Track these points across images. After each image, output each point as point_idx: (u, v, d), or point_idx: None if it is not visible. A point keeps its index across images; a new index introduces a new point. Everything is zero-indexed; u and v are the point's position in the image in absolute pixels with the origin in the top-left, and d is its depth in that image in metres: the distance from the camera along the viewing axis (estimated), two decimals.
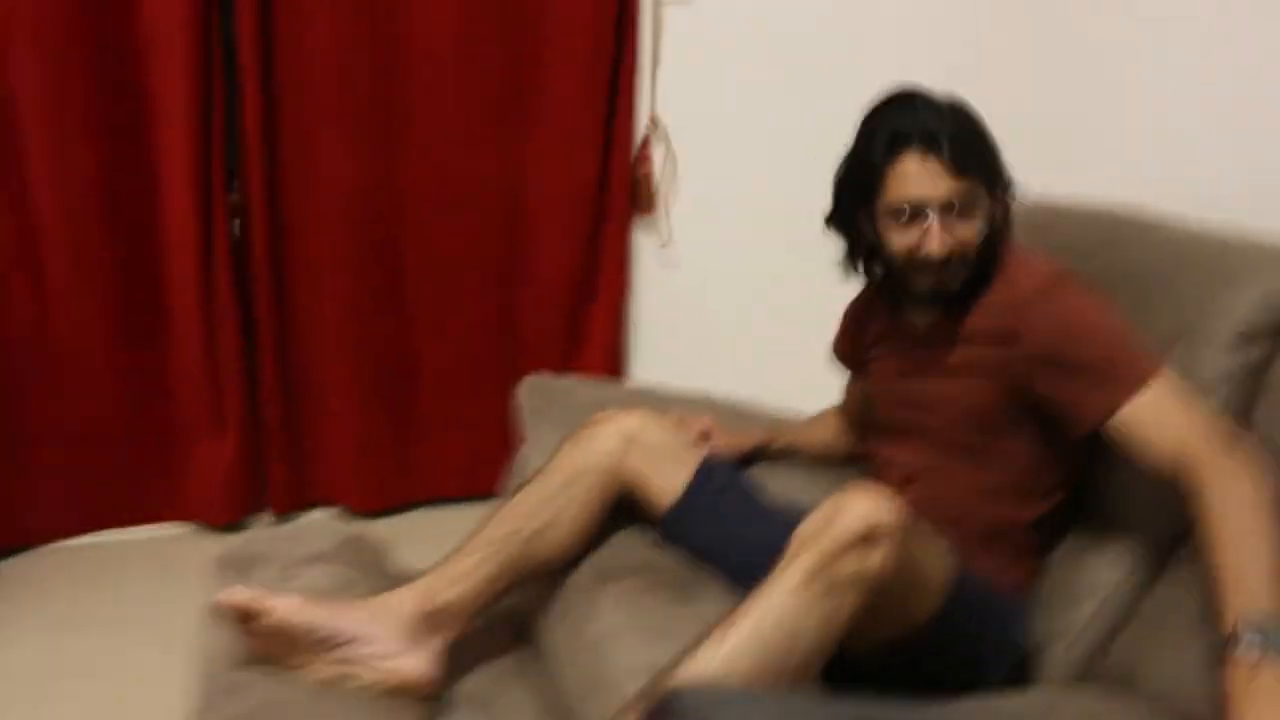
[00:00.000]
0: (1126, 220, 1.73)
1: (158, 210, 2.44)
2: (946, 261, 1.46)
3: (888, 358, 1.67)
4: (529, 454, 1.79)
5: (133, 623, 2.25)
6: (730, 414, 1.90)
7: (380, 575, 1.58)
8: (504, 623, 1.63)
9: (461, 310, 2.72)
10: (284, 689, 1.28)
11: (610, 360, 2.84)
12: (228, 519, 2.65)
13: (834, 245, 1.66)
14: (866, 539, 1.20)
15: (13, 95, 2.27)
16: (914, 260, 1.48)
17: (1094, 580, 1.53)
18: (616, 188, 2.74)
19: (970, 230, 1.47)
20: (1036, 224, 1.87)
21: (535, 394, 1.91)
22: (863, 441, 1.77)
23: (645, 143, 2.76)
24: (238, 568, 1.54)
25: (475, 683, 1.49)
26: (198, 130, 2.38)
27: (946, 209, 1.44)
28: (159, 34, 2.33)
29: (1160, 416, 1.36)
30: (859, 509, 1.22)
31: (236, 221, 2.51)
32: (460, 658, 1.50)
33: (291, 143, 2.49)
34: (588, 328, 2.84)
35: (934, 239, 1.44)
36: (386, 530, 2.71)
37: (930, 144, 1.43)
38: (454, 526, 2.66)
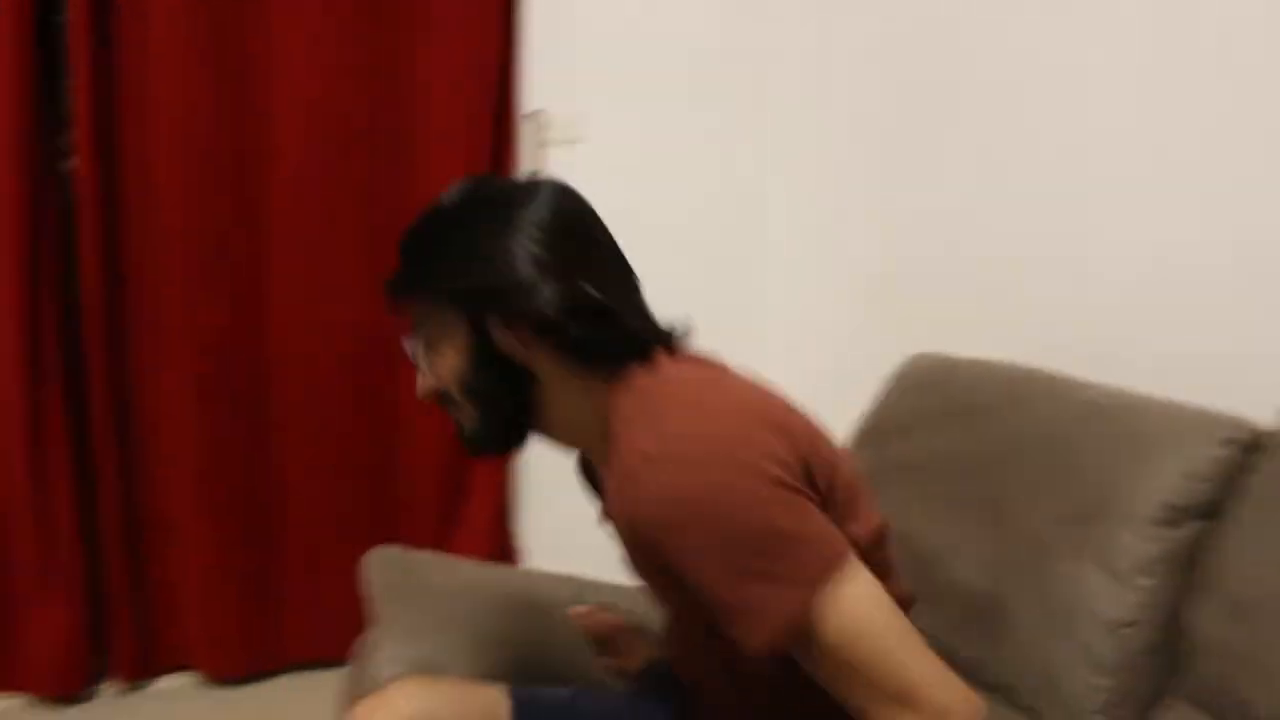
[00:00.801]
0: (1031, 378, 1.62)
1: None
2: (444, 408, 1.14)
3: None
4: (380, 639, 1.58)
5: None
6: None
7: None
8: None
9: (332, 457, 2.52)
10: None
11: (495, 513, 2.64)
12: (65, 690, 2.38)
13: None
14: None
15: None
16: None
17: None
18: None
19: (441, 364, 1.12)
20: (932, 380, 1.77)
21: (386, 570, 1.71)
22: None
23: None
24: None
25: None
26: (24, 265, 2.19)
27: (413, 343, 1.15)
28: None
29: None
30: None
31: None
32: None
33: (134, 278, 2.32)
34: (472, 479, 2.64)
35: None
36: (247, 700, 2.47)
37: None
38: (323, 697, 2.47)
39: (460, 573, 1.72)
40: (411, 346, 1.16)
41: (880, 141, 2.46)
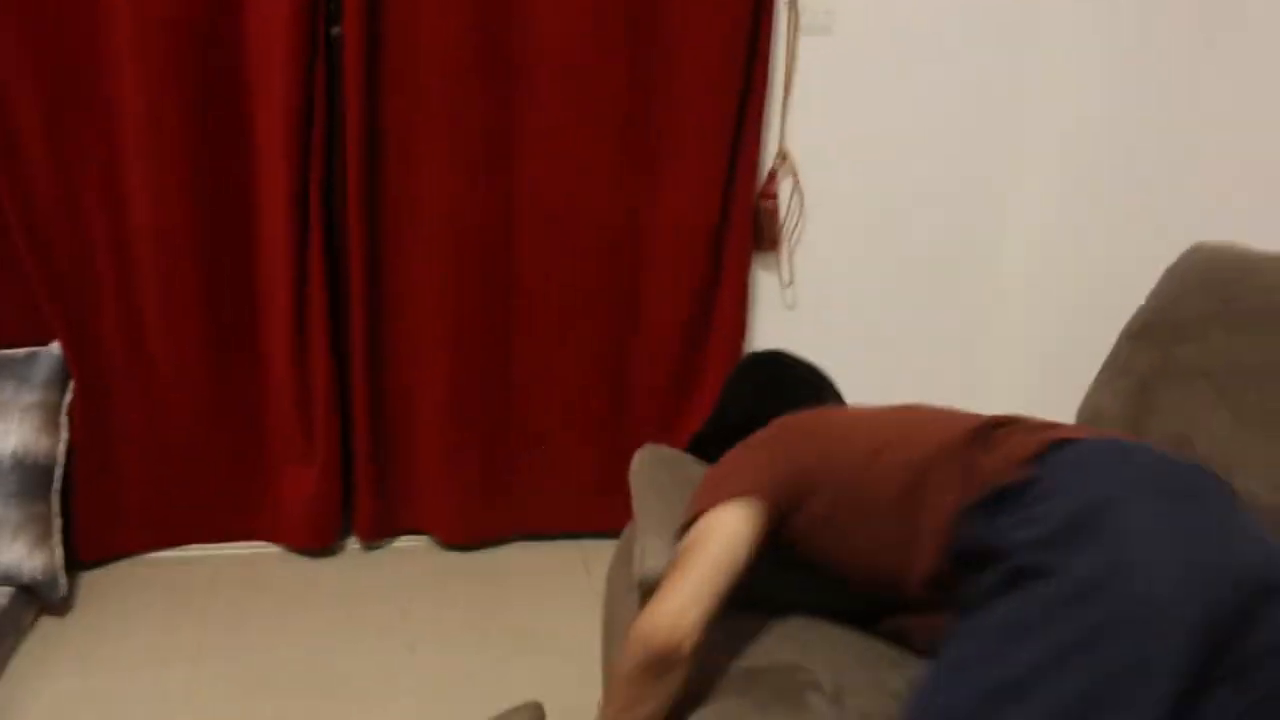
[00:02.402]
0: None
1: (253, 236, 2.37)
2: None
3: None
4: (637, 534, 1.64)
5: (211, 647, 2.19)
6: None
7: None
8: None
9: (567, 346, 2.58)
10: None
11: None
12: (315, 544, 2.56)
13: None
14: None
15: (117, 115, 2.21)
16: None
17: None
18: (739, 221, 2.57)
19: None
20: (1221, 275, 1.63)
21: (648, 467, 1.76)
22: None
23: (771, 177, 2.59)
24: None
25: None
26: (295, 148, 2.27)
27: None
28: (261, 49, 2.24)
29: None
30: None
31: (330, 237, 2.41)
32: None
33: (395, 161, 2.37)
34: (702, 369, 2.68)
35: None
36: (478, 560, 2.62)
37: None
38: (545, 564, 2.62)
39: None
40: None
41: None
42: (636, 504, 1.69)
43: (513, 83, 2.37)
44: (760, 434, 1.52)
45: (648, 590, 1.58)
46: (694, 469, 1.75)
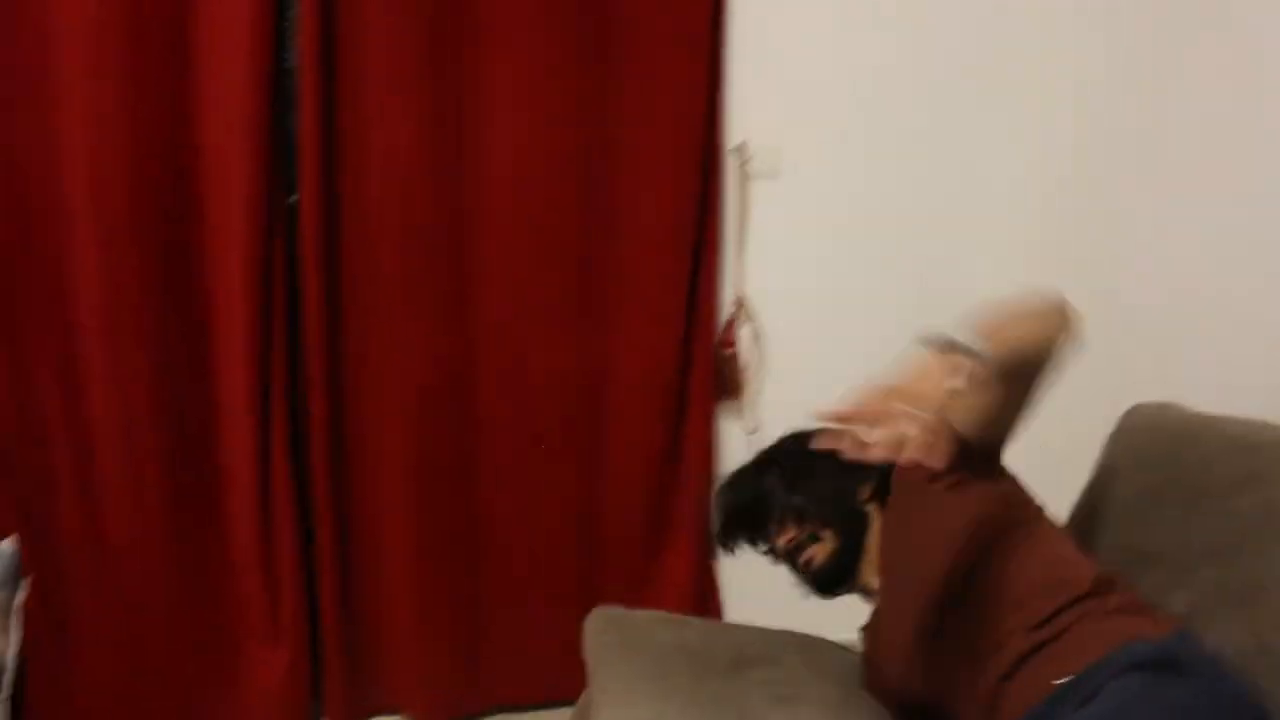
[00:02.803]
0: (1268, 443, 1.48)
1: (214, 411, 2.34)
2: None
3: None
4: (595, 705, 1.58)
5: None
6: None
7: None
8: None
9: (536, 502, 2.55)
10: None
11: (695, 558, 2.63)
12: None
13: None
14: None
15: (71, 289, 2.21)
16: None
17: None
18: (700, 371, 2.56)
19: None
20: (1160, 449, 1.65)
21: (605, 630, 1.71)
22: None
23: (730, 323, 2.60)
24: None
25: None
26: (256, 315, 2.28)
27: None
28: (217, 226, 2.26)
29: None
30: None
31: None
32: None
33: (354, 324, 2.37)
34: (673, 519, 2.65)
35: None
36: None
37: None
38: None
39: (679, 632, 1.71)
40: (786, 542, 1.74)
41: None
42: (592, 673, 1.63)
43: (468, 235, 2.40)
44: None
45: None
46: (648, 631, 1.70)
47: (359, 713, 2.55)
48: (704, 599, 2.66)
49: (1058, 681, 1.29)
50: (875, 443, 1.07)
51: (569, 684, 2.56)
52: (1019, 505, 1.54)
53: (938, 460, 1.08)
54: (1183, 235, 2.59)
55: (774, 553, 1.79)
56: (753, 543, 1.82)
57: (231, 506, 2.38)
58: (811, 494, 1.73)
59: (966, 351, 1.18)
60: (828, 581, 1.73)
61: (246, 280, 2.25)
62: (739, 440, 2.67)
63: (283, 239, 2.30)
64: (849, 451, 1.09)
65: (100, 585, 2.32)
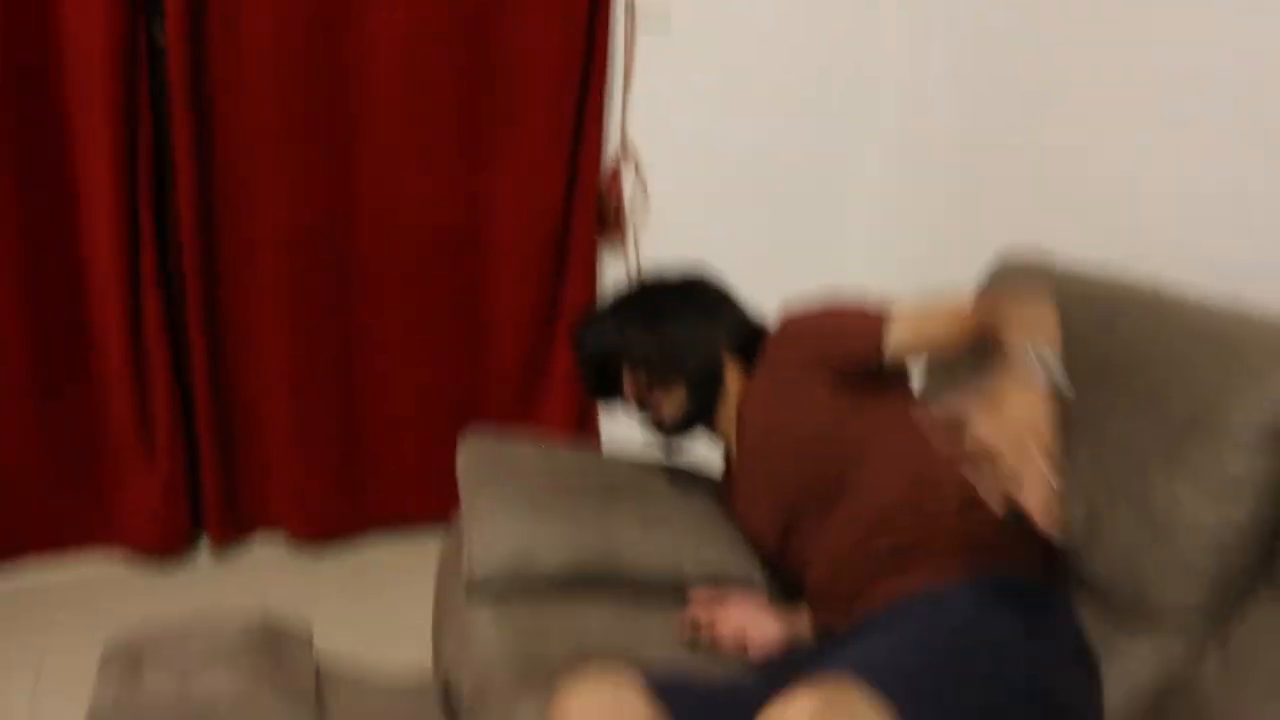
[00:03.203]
0: (1128, 295, 1.57)
1: (76, 221, 2.28)
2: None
3: None
4: (466, 527, 1.65)
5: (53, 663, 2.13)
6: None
7: (291, 680, 1.44)
8: None
9: (417, 328, 2.58)
10: None
11: (576, 388, 2.69)
12: (163, 547, 2.50)
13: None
14: None
15: None
16: None
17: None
18: (582, 214, 2.59)
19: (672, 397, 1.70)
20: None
21: (477, 455, 1.76)
22: None
23: (615, 168, 2.61)
24: (125, 664, 1.40)
25: None
26: (121, 153, 2.22)
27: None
28: (78, 52, 2.16)
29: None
30: None
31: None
32: None
33: (227, 161, 2.33)
34: (553, 357, 2.70)
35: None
36: (334, 558, 2.60)
37: None
38: (407, 552, 2.60)
39: (550, 459, 1.77)
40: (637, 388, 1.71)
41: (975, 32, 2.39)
42: (464, 496, 1.69)
43: (346, 79, 2.36)
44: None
45: (476, 590, 1.61)
46: (520, 456, 1.75)
47: (238, 530, 2.60)
48: (583, 430, 2.75)
49: (896, 597, 1.36)
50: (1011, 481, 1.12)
51: (445, 505, 2.67)
52: (896, 412, 1.54)
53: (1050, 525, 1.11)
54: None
55: (626, 399, 1.77)
56: (606, 390, 1.78)
57: (99, 326, 2.34)
58: (663, 342, 1.69)
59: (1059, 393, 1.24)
60: (674, 430, 1.71)
61: (109, 113, 2.18)
62: (621, 280, 2.72)
63: (147, 77, 2.23)
64: (987, 489, 1.14)
65: None
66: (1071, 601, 1.41)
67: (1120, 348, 1.50)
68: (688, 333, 1.69)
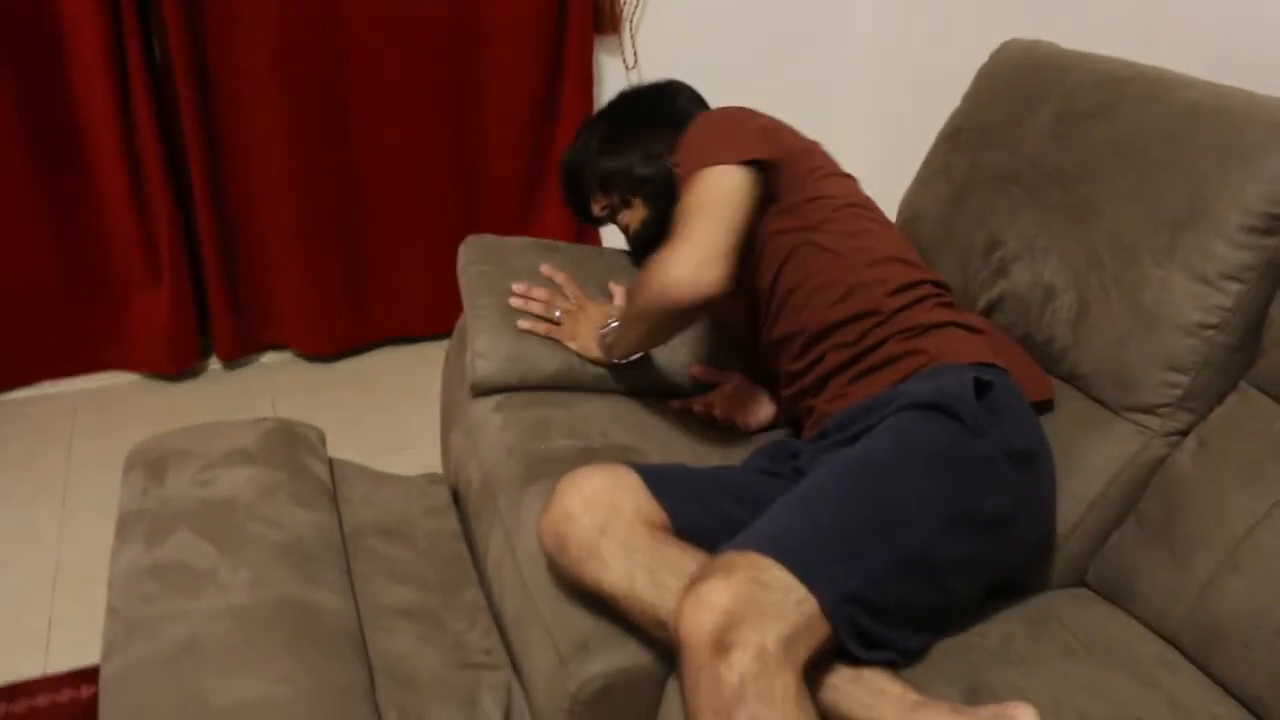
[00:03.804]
0: (1126, 79, 1.51)
1: (61, 38, 2.19)
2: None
3: None
4: (469, 329, 1.65)
5: (77, 479, 2.18)
6: None
7: (307, 474, 1.46)
8: None
9: (414, 138, 2.53)
10: (212, 622, 1.18)
11: None
12: (173, 367, 2.53)
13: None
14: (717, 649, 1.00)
15: None
16: None
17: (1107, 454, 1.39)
18: (577, 5, 2.49)
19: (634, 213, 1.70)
20: (1025, 77, 1.67)
21: (476, 258, 1.74)
22: None
23: None
24: (149, 468, 1.43)
25: None
26: None
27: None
28: None
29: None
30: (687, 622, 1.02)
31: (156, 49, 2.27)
32: None
33: None
34: (551, 154, 2.66)
35: None
36: (340, 372, 2.62)
37: None
38: (412, 364, 2.63)
39: (547, 256, 1.75)
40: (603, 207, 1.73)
41: None
42: (466, 300, 1.69)
43: None
44: (725, 116, 1.53)
45: (480, 390, 1.62)
46: (519, 255, 1.74)
47: (246, 349, 2.62)
48: (581, 233, 2.72)
49: (851, 404, 1.36)
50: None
51: (449, 316, 2.68)
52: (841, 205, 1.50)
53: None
54: None
55: (598, 220, 1.78)
56: (583, 210, 1.77)
57: (94, 149, 2.29)
58: (619, 159, 1.67)
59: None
60: (641, 246, 1.68)
61: None
62: (618, 76, 2.64)
63: None
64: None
65: None
66: (1010, 385, 1.35)
67: (1121, 131, 1.46)
68: (644, 150, 1.65)
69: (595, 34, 2.56)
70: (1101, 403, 1.43)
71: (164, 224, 2.37)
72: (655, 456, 1.50)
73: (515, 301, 1.65)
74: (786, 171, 1.47)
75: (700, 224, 1.34)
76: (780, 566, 1.05)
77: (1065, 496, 1.38)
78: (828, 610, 1.05)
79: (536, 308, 1.64)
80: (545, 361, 1.62)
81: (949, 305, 1.48)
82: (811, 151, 1.55)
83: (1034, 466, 1.30)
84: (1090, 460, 1.40)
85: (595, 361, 1.61)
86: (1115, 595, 1.34)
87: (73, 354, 2.49)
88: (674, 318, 1.40)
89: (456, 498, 1.64)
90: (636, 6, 2.58)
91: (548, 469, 1.43)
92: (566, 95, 2.59)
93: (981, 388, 1.28)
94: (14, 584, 1.90)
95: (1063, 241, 1.50)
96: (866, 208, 1.53)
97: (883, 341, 1.39)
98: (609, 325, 1.57)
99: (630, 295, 1.50)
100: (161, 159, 2.32)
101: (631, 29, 2.60)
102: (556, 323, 1.64)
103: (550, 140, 2.64)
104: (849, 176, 1.57)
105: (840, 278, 1.43)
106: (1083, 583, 1.40)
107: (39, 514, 2.08)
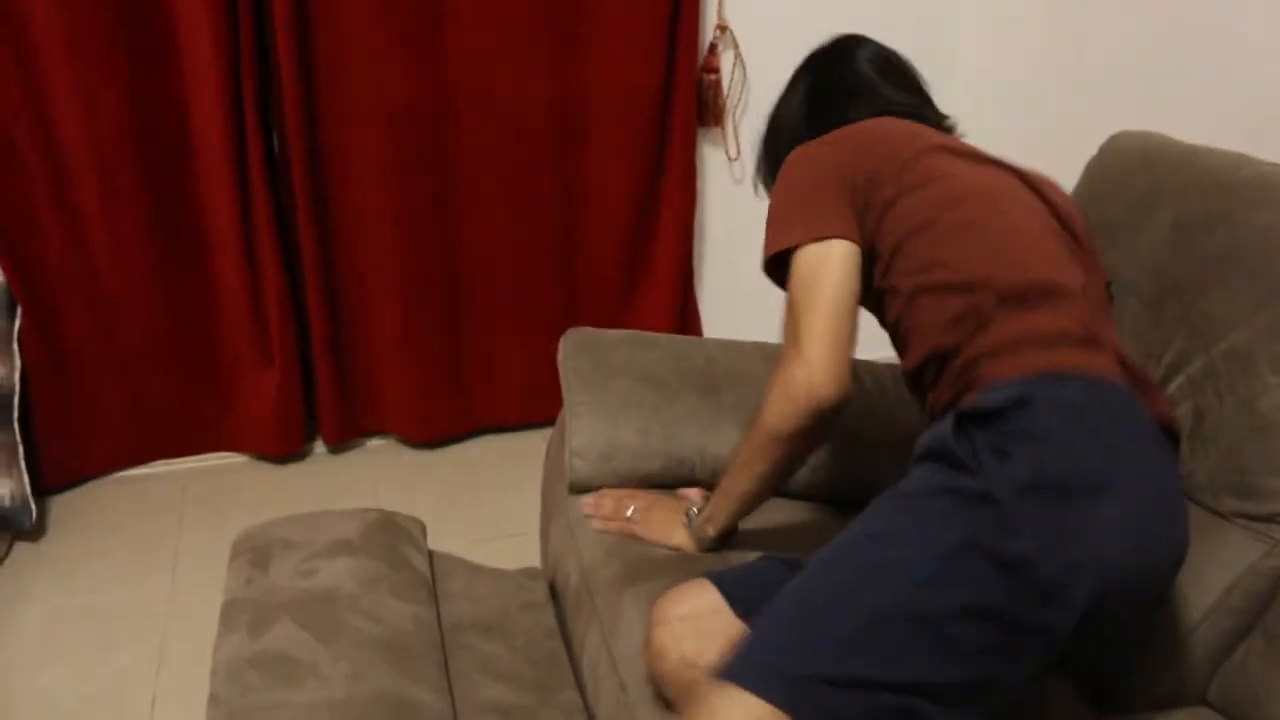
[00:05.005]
0: (1251, 180, 1.45)
1: (188, 133, 2.30)
2: None
3: None
4: (568, 425, 1.65)
5: (187, 556, 2.24)
6: None
7: (408, 567, 1.47)
8: None
9: (518, 230, 2.57)
10: (311, 714, 1.19)
11: (677, 282, 2.67)
12: (281, 450, 2.58)
13: None
14: None
15: (30, 24, 2.12)
16: None
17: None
18: (681, 98, 2.53)
19: None
20: (1137, 171, 1.62)
21: (576, 352, 1.75)
22: None
23: (712, 50, 2.54)
24: (254, 557, 1.45)
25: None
26: (225, 51, 2.21)
27: None
28: None
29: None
30: None
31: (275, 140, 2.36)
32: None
33: (327, 57, 2.30)
34: (653, 246, 2.69)
35: None
36: (443, 458, 2.65)
37: None
38: (513, 453, 2.65)
39: (647, 352, 1.74)
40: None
41: None
42: (565, 394, 1.69)
43: None
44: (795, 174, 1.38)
45: (577, 490, 1.62)
46: (619, 351, 1.74)
47: (351, 433, 2.67)
48: (684, 326, 2.73)
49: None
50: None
51: (550, 406, 2.70)
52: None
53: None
54: None
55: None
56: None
57: (213, 235, 2.39)
58: (764, 158, 1.58)
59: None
60: None
61: (212, 9, 2.17)
62: (721, 167, 2.67)
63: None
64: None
65: (92, 313, 2.37)
66: (1072, 399, 1.15)
67: (1237, 239, 1.41)
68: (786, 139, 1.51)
69: (699, 126, 2.59)
70: (1218, 513, 1.37)
71: (275, 308, 2.44)
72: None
73: (585, 509, 1.57)
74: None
75: (807, 318, 1.25)
76: (734, 688, 1.02)
77: (1181, 602, 1.32)
78: (780, 701, 1.00)
79: (607, 510, 1.55)
80: (644, 463, 1.61)
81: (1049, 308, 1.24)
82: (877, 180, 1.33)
83: (1076, 498, 1.08)
84: (1205, 569, 1.32)
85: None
86: (1241, 717, 1.27)
87: (186, 434, 2.56)
88: (804, 435, 1.26)
89: (554, 590, 1.64)
90: (740, 98, 2.61)
91: (647, 570, 1.43)
92: (668, 187, 2.62)
93: (1012, 405, 1.12)
94: (121, 661, 1.94)
95: (1182, 356, 1.45)
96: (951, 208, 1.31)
97: (939, 376, 1.27)
98: (692, 508, 1.48)
99: (743, 438, 1.36)
100: (276, 247, 2.40)
101: (735, 120, 2.63)
102: (630, 520, 1.54)
103: (652, 232, 2.67)
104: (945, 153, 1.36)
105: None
106: (1205, 701, 1.33)
107: (148, 591, 2.13)
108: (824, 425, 1.25)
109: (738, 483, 1.37)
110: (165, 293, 2.41)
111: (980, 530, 1.05)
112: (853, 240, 1.29)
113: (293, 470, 2.59)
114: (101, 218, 2.29)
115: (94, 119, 2.20)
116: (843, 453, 1.68)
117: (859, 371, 1.74)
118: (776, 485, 1.38)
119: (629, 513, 1.52)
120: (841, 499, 1.66)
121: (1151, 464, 1.15)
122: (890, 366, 1.77)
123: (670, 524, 1.49)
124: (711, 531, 1.44)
